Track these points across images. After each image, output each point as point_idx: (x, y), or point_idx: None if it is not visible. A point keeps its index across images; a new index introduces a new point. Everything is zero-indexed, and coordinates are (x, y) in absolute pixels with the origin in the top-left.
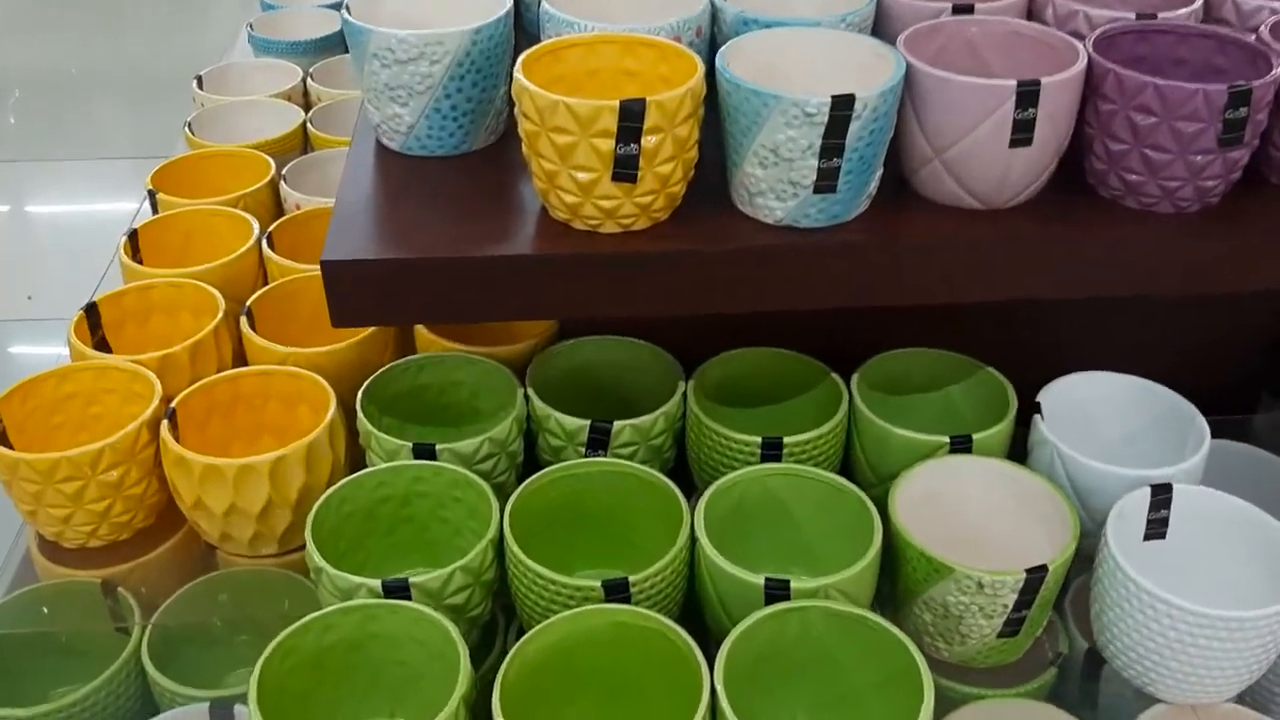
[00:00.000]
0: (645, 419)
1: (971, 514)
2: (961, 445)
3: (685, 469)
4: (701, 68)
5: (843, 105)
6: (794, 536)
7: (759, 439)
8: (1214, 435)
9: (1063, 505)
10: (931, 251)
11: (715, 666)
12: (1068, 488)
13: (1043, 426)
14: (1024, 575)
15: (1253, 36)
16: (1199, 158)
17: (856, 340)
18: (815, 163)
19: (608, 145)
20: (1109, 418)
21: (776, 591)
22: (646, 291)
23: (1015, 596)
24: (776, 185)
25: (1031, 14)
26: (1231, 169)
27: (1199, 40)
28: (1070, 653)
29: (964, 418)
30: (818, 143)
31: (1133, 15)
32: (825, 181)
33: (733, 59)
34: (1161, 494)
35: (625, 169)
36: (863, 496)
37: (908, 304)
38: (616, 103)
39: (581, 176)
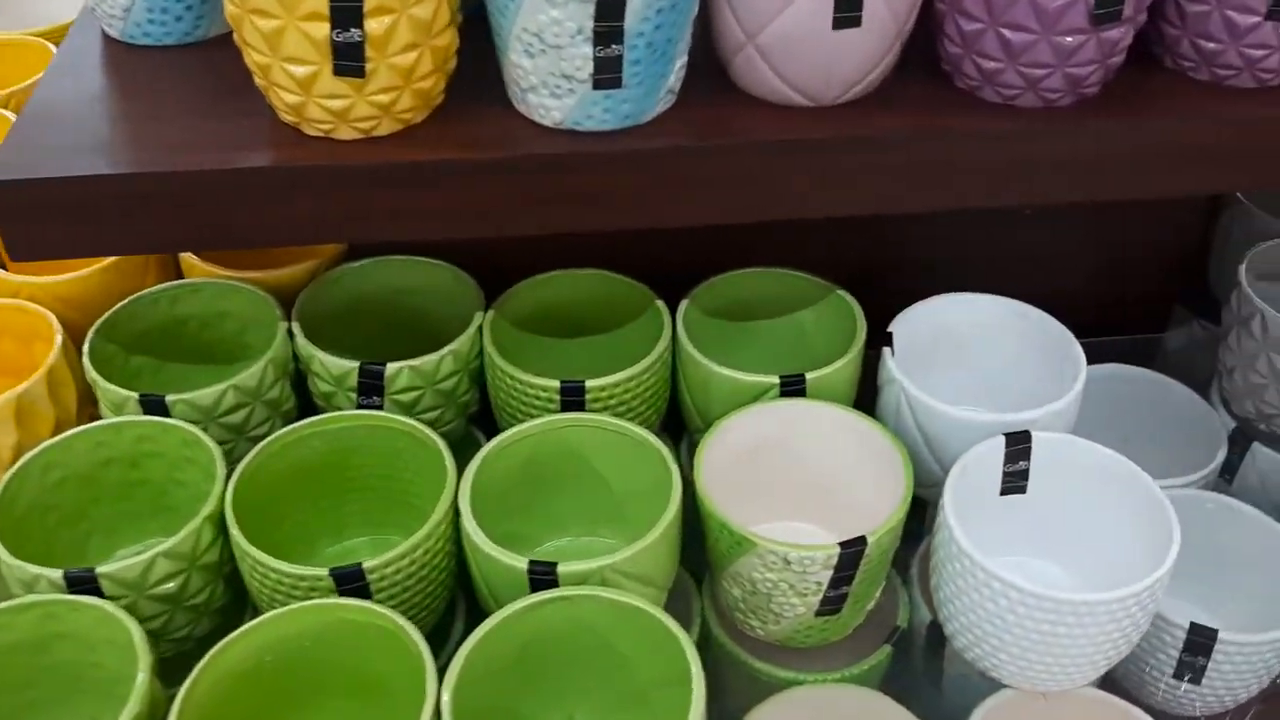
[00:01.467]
0: (428, 359)
1: (814, 467)
2: (794, 386)
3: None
4: None
5: None
6: (605, 498)
7: (557, 383)
8: (1123, 357)
9: (898, 459)
10: (741, 158)
11: (450, 668)
12: (917, 437)
13: (890, 363)
14: (838, 550)
15: None
16: (1068, 39)
17: (701, 260)
18: (590, 50)
19: (322, 30)
20: (980, 347)
21: (542, 577)
22: (396, 211)
23: (830, 573)
24: (548, 79)
25: None
26: (1110, 52)
27: None
28: (910, 628)
29: (818, 350)
30: (589, 25)
31: None
32: (605, 74)
33: None
34: (1018, 444)
35: (348, 60)
36: (664, 453)
37: (716, 223)
38: None
39: (297, 70)
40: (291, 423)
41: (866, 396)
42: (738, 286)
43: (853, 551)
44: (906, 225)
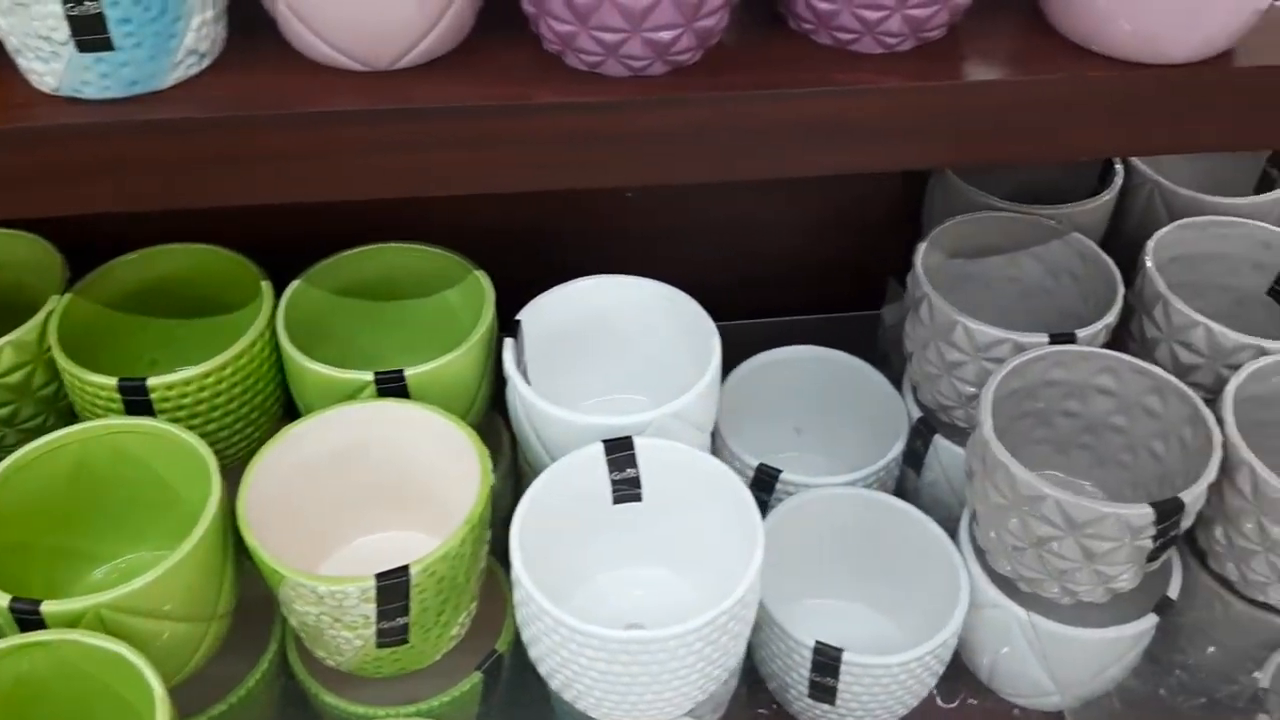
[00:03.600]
0: None
1: (404, 473)
2: (392, 385)
3: None
4: None
5: None
6: (176, 514)
7: (115, 381)
8: (842, 336)
9: (476, 466)
10: (257, 132)
11: None
12: (534, 440)
13: (507, 356)
14: (373, 583)
15: None
16: None
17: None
18: (58, 7)
19: None
20: (632, 333)
21: (26, 617)
22: None
23: (375, 608)
24: (28, 40)
25: None
26: (694, 15)
27: None
28: (511, 651)
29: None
30: None
31: None
32: (86, 34)
33: None
34: (619, 451)
35: None
36: (207, 459)
37: (240, 204)
38: None
39: None
40: None
41: None
42: (366, 262)
43: (394, 584)
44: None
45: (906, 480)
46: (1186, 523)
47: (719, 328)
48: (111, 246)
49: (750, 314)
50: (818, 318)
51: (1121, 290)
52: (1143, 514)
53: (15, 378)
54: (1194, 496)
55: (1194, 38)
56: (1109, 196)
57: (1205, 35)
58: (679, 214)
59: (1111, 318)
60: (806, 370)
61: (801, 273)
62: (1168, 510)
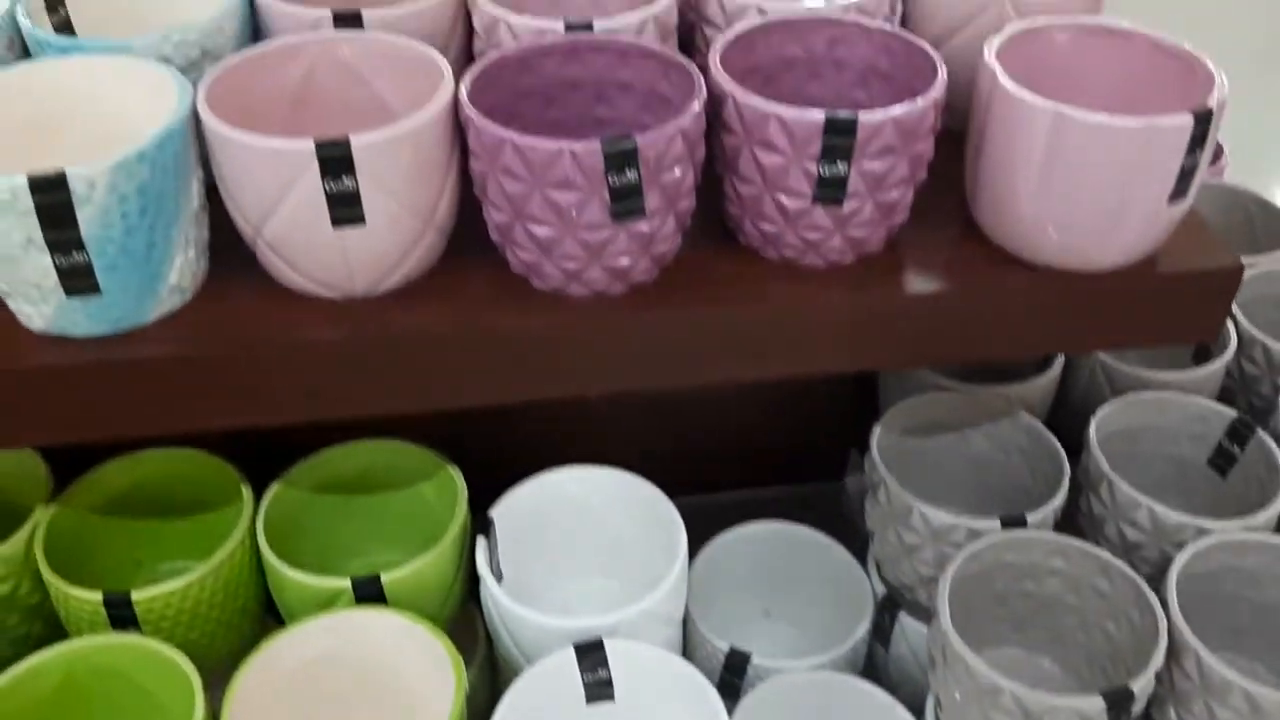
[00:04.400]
0: None
1: (397, 681)
2: (370, 589)
3: None
4: None
5: (50, 186)
6: None
7: (100, 595)
8: (803, 506)
9: (451, 675)
10: (237, 366)
11: None
12: (507, 639)
13: (480, 557)
14: None
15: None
16: (594, 234)
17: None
18: (49, 261)
19: None
20: (599, 523)
21: None
22: None
23: None
24: (18, 286)
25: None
26: (646, 243)
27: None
28: None
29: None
30: (38, 235)
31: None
32: (75, 282)
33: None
34: (591, 653)
35: None
36: (190, 674)
37: (225, 427)
38: None
39: None
40: None
41: None
42: (343, 460)
43: None
44: None
45: (875, 654)
46: (1139, 708)
47: (682, 502)
48: (94, 449)
49: (713, 487)
50: (781, 489)
51: (1067, 471)
52: (1094, 704)
53: (2, 589)
54: (1143, 685)
55: (1117, 246)
56: (1053, 373)
57: (1127, 244)
58: (639, 391)
59: (1058, 500)
60: (773, 547)
61: (763, 444)
62: (1118, 699)
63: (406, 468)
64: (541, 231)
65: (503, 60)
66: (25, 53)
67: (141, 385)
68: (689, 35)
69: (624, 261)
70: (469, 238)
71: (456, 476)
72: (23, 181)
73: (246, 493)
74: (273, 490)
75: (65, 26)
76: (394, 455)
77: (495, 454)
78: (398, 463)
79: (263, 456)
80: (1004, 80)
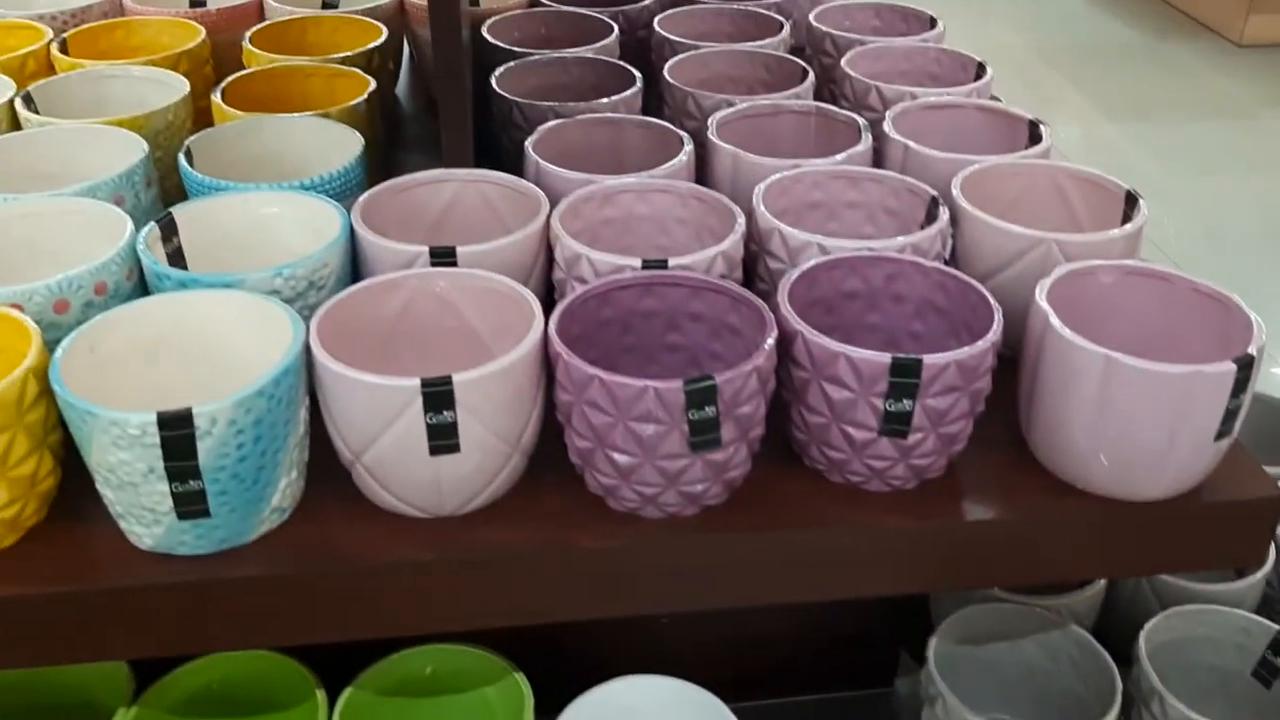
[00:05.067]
0: None
1: None
2: None
3: None
4: (33, 356)
5: (177, 423)
6: None
7: None
8: (852, 713)
9: None
10: (337, 581)
11: None
12: None
13: None
14: None
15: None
16: (672, 463)
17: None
18: (166, 487)
19: None
20: None
21: None
22: None
23: None
24: (132, 509)
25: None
26: (725, 467)
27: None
28: None
29: None
30: (159, 465)
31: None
32: (187, 507)
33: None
34: None
35: None
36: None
37: (319, 642)
38: None
39: None
40: None
41: None
42: (412, 664)
43: None
44: None
45: None
46: None
47: (736, 708)
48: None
49: (765, 692)
50: (829, 697)
51: (1119, 686)
52: None
53: None
54: None
55: (1166, 479)
56: (1100, 585)
57: (1175, 477)
58: None
59: (1111, 717)
60: None
61: (812, 649)
62: None
63: (473, 672)
64: (622, 459)
65: (586, 296)
66: (142, 280)
67: (240, 603)
68: (751, 263)
69: (698, 487)
70: (548, 456)
71: (522, 683)
72: (152, 419)
73: (320, 696)
74: (346, 695)
75: (178, 254)
76: (461, 659)
77: (555, 655)
78: (464, 667)
79: (333, 658)
80: (1056, 324)
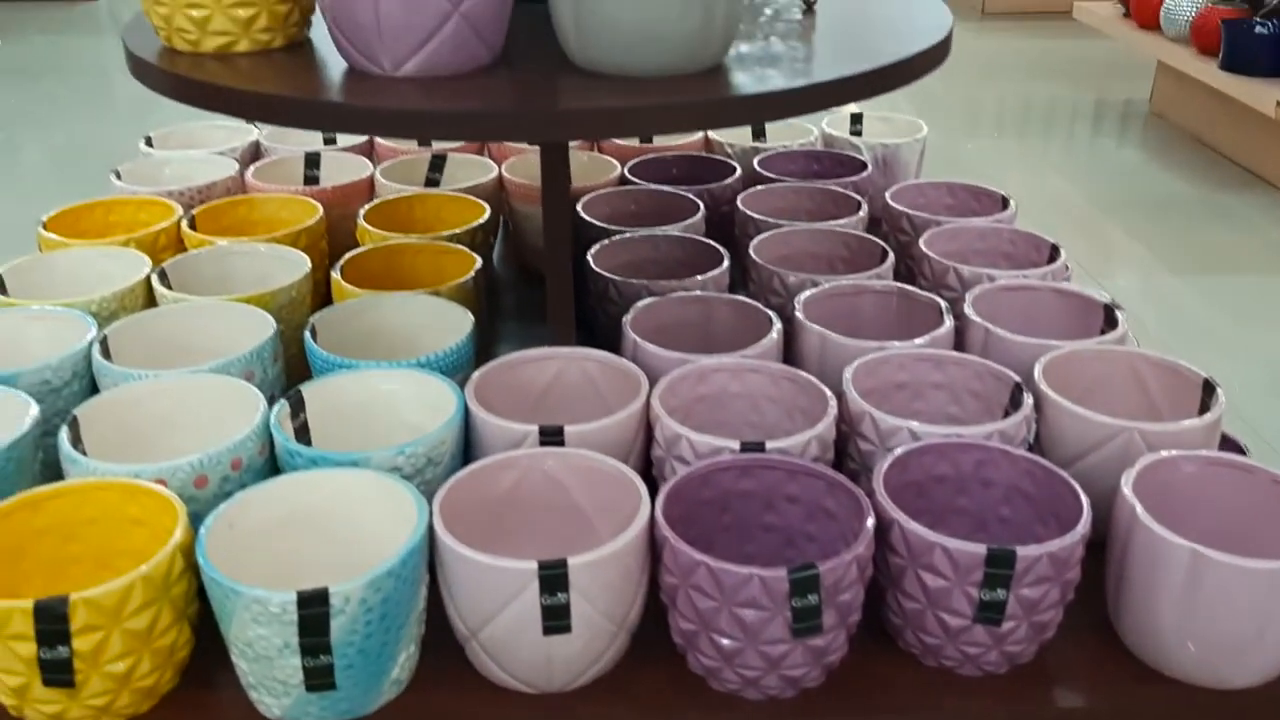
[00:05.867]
0: None
1: None
2: None
3: None
4: (180, 533)
5: (314, 602)
6: None
7: None
8: None
9: None
10: None
11: None
12: None
13: None
14: None
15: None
16: (774, 648)
17: None
18: (299, 662)
19: (29, 649)
20: None
21: None
22: None
23: None
24: (265, 681)
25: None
26: (827, 650)
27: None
28: None
29: None
30: (294, 640)
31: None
32: (316, 681)
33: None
34: None
35: (57, 674)
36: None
37: None
38: (30, 604)
39: (11, 681)
40: None
41: None
42: None
43: None
44: None
45: None
46: None
47: None
48: None
49: None
50: None
51: None
52: None
53: None
54: None
55: (1253, 667)
56: None
57: (1262, 665)
58: None
59: None
60: None
61: None
62: None
63: None
64: (726, 643)
65: (688, 478)
66: (273, 453)
67: None
68: (842, 442)
69: (798, 671)
70: (651, 635)
71: None
72: (292, 598)
73: None
74: None
75: (304, 428)
76: None
77: None
78: None
79: None
80: (1143, 517)
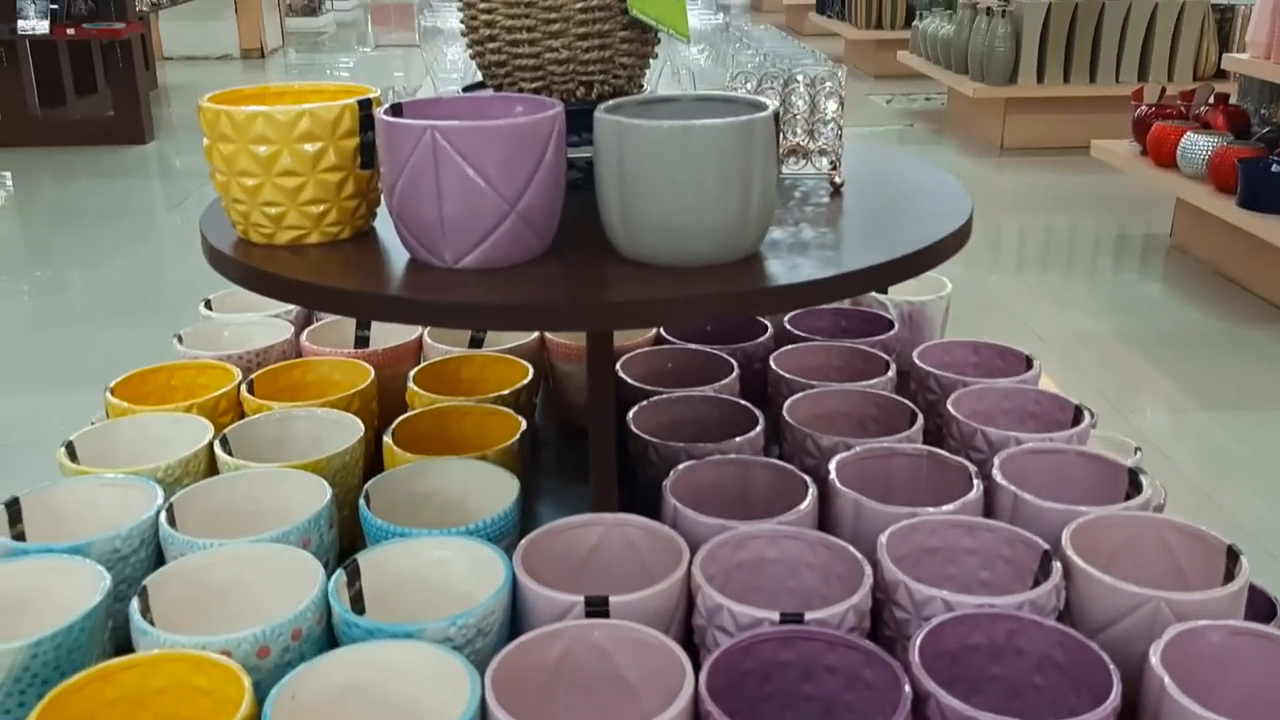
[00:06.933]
0: None
1: None
2: None
3: None
4: (247, 703)
5: None
6: None
7: None
8: None
9: None
10: None
11: None
12: None
13: None
14: None
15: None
16: None
17: None
18: None
19: None
20: None
21: None
22: None
23: None
24: None
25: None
26: None
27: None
28: None
29: None
30: None
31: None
32: None
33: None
34: None
35: None
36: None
37: None
38: None
39: None
40: None
41: None
42: None
43: None
44: None
45: None
46: None
47: None
48: None
49: None
50: None
51: None
52: None
53: None
54: None
55: None
56: None
57: None
58: None
59: None
60: None
61: None
62: None
63: None
64: None
65: (729, 651)
66: (329, 622)
67: None
68: (876, 609)
69: None
70: None
71: None
72: None
73: None
74: None
75: (359, 597)
76: None
77: None
78: None
79: None
80: (1171, 689)
